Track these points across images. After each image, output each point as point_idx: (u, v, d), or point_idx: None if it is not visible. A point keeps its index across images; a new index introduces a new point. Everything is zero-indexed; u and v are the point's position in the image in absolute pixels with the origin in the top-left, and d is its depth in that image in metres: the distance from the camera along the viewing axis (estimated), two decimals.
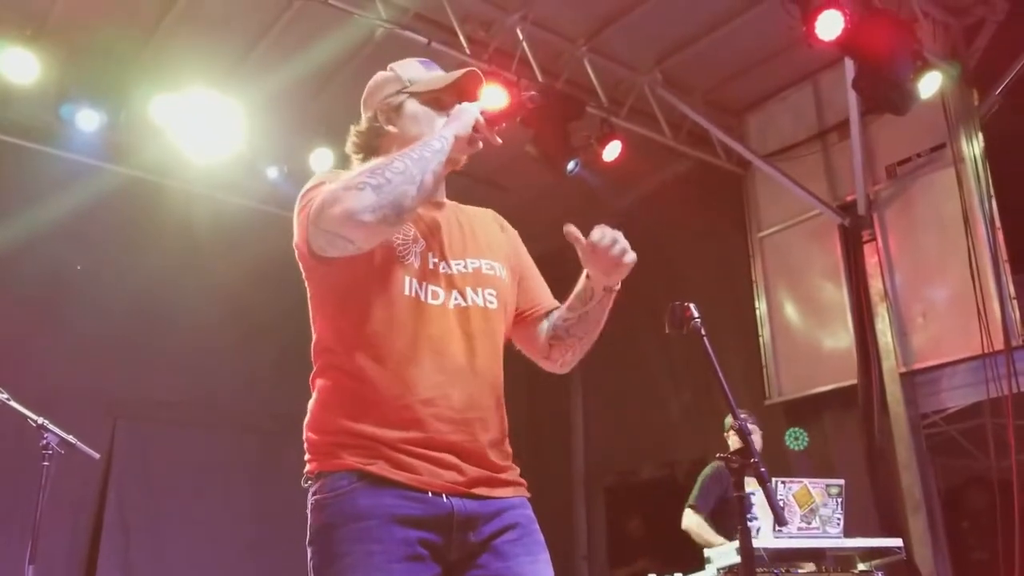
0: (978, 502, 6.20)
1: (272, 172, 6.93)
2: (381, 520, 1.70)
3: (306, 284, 1.92)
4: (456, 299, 1.87)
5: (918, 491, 5.93)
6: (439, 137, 1.84)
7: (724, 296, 7.23)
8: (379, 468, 1.74)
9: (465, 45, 5.86)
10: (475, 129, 1.89)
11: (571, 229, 1.88)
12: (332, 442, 1.79)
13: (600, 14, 6.26)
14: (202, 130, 6.11)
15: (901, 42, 5.26)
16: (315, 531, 1.76)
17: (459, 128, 1.86)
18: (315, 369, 1.90)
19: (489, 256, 1.98)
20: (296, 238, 1.85)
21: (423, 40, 5.68)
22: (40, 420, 3.74)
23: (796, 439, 6.24)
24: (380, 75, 2.07)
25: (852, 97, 5.99)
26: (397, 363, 1.78)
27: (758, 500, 4.89)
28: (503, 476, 1.85)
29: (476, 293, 1.90)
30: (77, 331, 6.41)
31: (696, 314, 2.04)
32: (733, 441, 5.12)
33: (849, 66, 5.59)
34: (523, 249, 2.13)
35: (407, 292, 1.83)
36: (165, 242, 6.89)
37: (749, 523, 4.76)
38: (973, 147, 6.01)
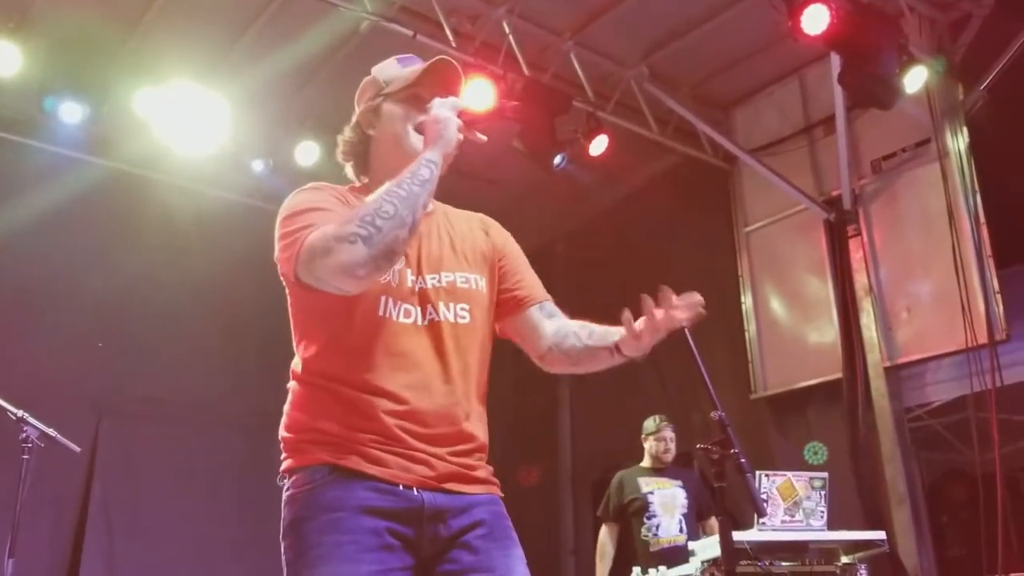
0: (956, 497, 6.24)
1: (257, 165, 6.89)
2: (351, 512, 1.72)
3: (288, 297, 1.92)
4: (430, 314, 1.87)
5: (902, 484, 5.96)
6: (427, 163, 1.80)
7: (710, 291, 7.11)
8: (351, 462, 1.75)
9: (451, 38, 5.84)
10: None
11: (629, 316, 1.82)
12: (306, 439, 1.81)
13: (587, 8, 6.25)
14: (186, 123, 6.06)
15: (887, 37, 5.27)
16: (287, 524, 1.77)
17: (446, 147, 1.83)
18: (291, 376, 1.92)
19: (466, 268, 1.96)
20: (280, 264, 1.81)
21: (408, 33, 5.66)
22: (20, 413, 3.72)
23: (815, 453, 6.28)
24: (364, 80, 2.06)
25: (838, 92, 6.01)
26: (368, 381, 1.79)
27: (656, 499, 5.05)
28: (474, 474, 1.86)
29: (448, 309, 1.90)
30: (60, 326, 6.37)
31: None
32: (649, 445, 5.33)
33: (835, 61, 5.60)
34: (512, 246, 2.11)
35: (380, 312, 1.83)
36: (149, 236, 6.85)
37: (648, 521, 4.96)
38: (958, 142, 6.04)
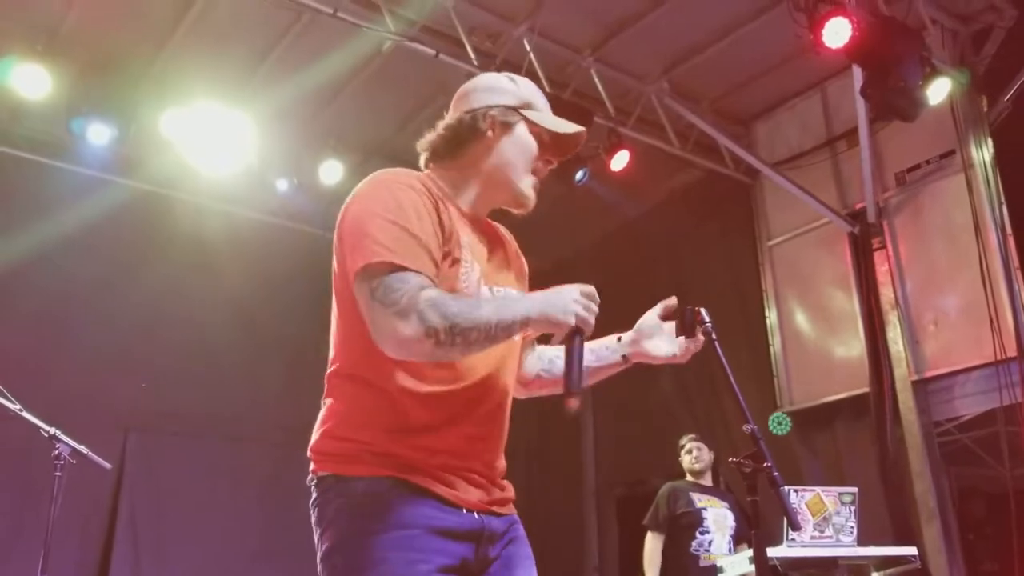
0: (975, 514, 6.15)
1: (282, 184, 6.97)
2: (423, 530, 1.68)
3: (334, 303, 1.84)
4: None
5: (932, 499, 5.88)
6: (522, 322, 1.70)
7: (734, 306, 7.21)
8: (418, 479, 1.71)
9: (472, 57, 5.87)
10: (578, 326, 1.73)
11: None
12: (363, 449, 1.73)
13: (607, 24, 6.27)
14: (212, 143, 6.14)
15: (909, 49, 5.25)
16: (346, 535, 1.69)
17: (548, 325, 1.74)
18: (337, 381, 1.82)
19: (511, 282, 1.98)
20: (348, 261, 1.70)
21: (431, 52, 5.71)
22: (52, 430, 3.76)
23: (779, 423, 6.27)
24: (494, 77, 2.00)
25: (860, 104, 5.98)
26: (433, 387, 1.75)
27: (711, 516, 5.00)
28: (508, 495, 1.89)
29: None
30: (88, 344, 6.44)
31: (707, 318, 2.01)
32: (684, 461, 5.32)
33: (857, 73, 5.58)
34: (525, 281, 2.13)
35: None
36: (175, 254, 6.93)
37: (700, 536, 4.91)
38: (983, 153, 5.99)
